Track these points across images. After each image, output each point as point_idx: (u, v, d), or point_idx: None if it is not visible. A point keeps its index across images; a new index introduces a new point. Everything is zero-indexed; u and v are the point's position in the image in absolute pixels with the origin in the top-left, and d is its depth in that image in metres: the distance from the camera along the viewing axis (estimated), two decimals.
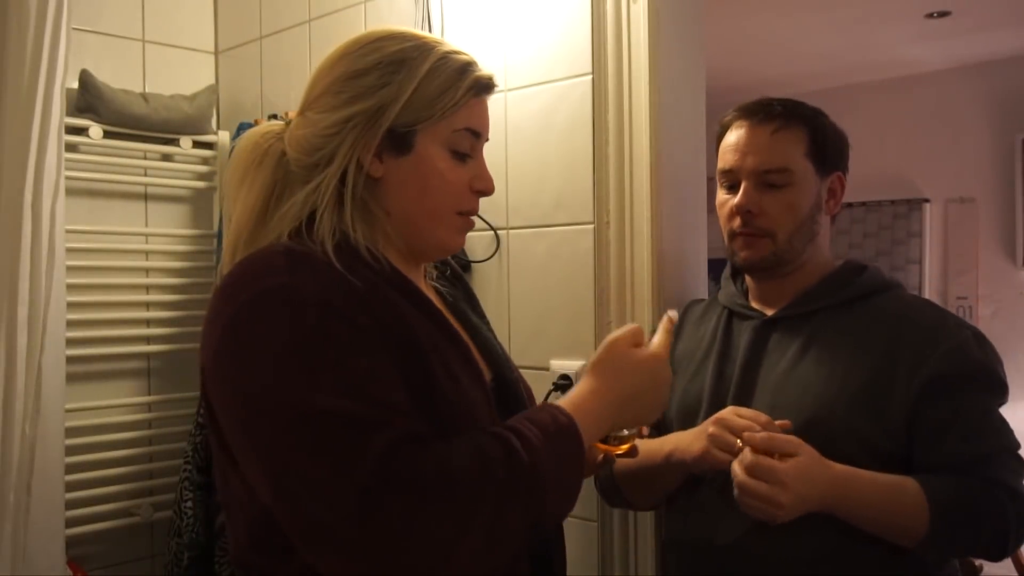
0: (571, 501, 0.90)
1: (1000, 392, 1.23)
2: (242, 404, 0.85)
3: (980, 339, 1.23)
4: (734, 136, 1.33)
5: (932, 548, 1.15)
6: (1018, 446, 1.19)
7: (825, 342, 1.25)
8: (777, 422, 1.16)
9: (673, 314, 1.05)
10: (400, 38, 0.99)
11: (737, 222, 1.31)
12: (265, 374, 0.83)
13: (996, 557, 1.19)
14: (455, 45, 1.03)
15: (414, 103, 0.96)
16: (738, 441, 1.13)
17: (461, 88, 0.98)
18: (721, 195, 1.36)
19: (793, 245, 1.30)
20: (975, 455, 1.16)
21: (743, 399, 1.27)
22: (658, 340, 1.03)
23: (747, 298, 1.39)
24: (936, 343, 1.20)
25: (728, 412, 1.19)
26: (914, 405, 1.18)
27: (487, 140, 1.05)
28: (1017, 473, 1.18)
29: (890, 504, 1.14)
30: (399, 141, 0.97)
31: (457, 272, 1.17)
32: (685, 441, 1.24)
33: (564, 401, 0.95)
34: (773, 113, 1.30)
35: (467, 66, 1.00)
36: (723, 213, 1.35)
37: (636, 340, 1.02)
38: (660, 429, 1.39)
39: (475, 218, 1.87)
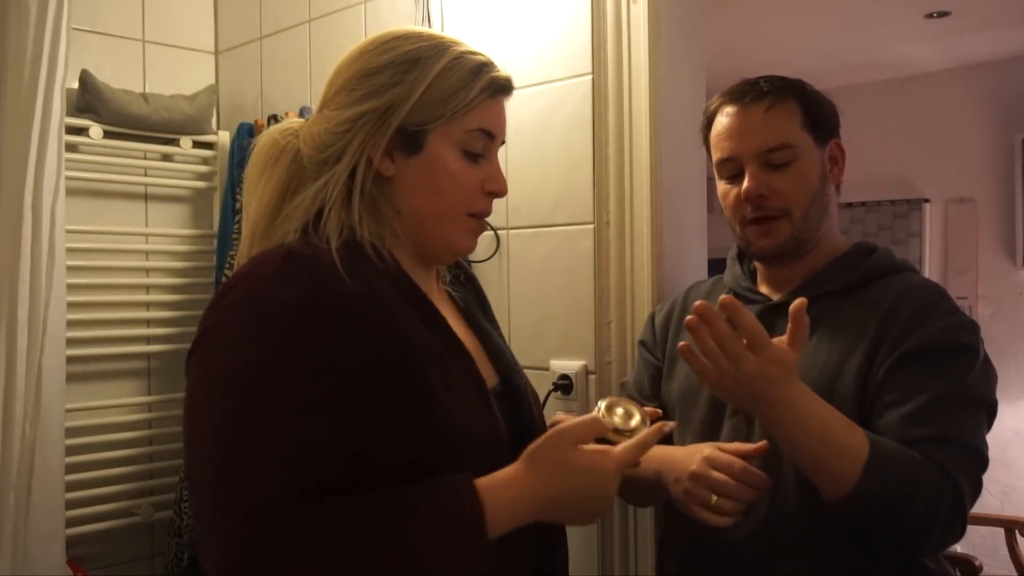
0: None
1: (979, 383, 1.14)
2: (187, 402, 0.87)
3: (973, 327, 1.18)
4: (725, 122, 1.28)
5: (856, 505, 1.04)
6: (974, 447, 1.10)
7: (827, 327, 1.22)
8: (754, 446, 1.13)
9: (670, 426, 1.00)
10: (417, 38, 0.99)
11: (748, 209, 1.26)
12: (211, 385, 0.84)
13: (916, 544, 1.11)
14: (473, 46, 1.02)
15: (425, 102, 0.96)
16: (713, 497, 1.11)
17: (474, 88, 0.98)
18: (723, 186, 1.30)
19: (810, 222, 1.26)
20: (917, 436, 1.08)
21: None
22: (625, 446, 0.92)
23: (754, 281, 1.36)
24: (925, 321, 1.15)
25: (704, 465, 1.13)
26: (885, 376, 1.14)
27: (503, 142, 1.04)
28: (966, 471, 1.08)
29: (834, 435, 1.05)
30: (410, 140, 0.97)
31: (470, 275, 1.16)
32: (669, 471, 1.19)
33: (488, 480, 0.87)
34: (762, 91, 1.27)
35: (482, 66, 0.99)
36: (729, 203, 1.29)
37: (584, 437, 0.91)
38: (663, 411, 1.37)
39: None
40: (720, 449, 1.15)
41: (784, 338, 1.05)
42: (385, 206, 0.99)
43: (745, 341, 1.02)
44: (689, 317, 1.03)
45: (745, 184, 1.25)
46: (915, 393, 1.12)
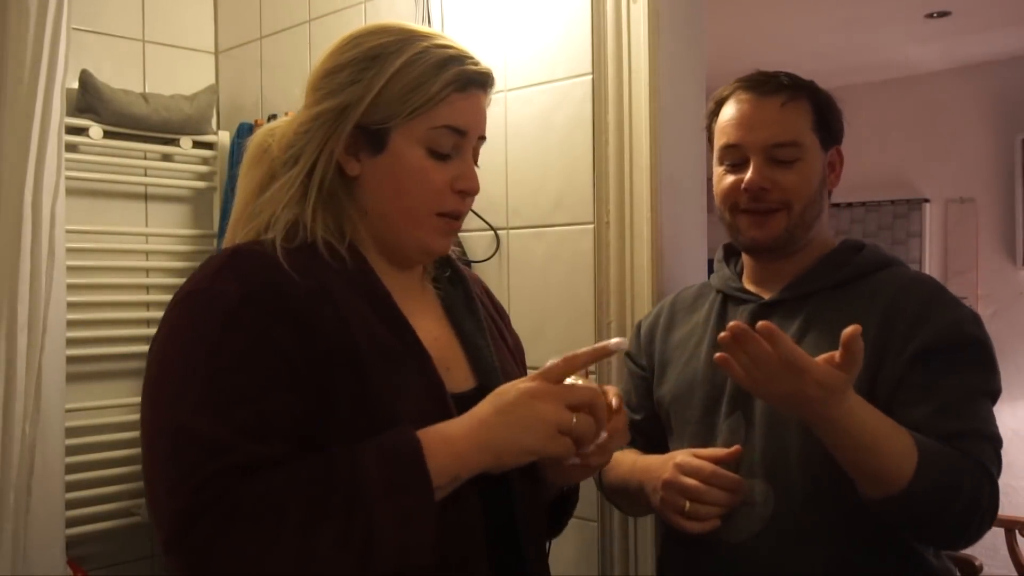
0: (414, 525, 0.81)
1: (990, 375, 1.17)
2: (142, 397, 0.88)
3: (977, 319, 1.19)
4: (736, 109, 1.27)
5: (905, 505, 1.05)
6: (998, 437, 1.13)
7: (823, 324, 1.21)
8: (727, 451, 1.14)
9: (615, 342, 0.94)
10: (384, 32, 0.96)
11: (744, 199, 1.25)
12: (157, 377, 0.86)
13: (954, 540, 1.13)
14: (450, 39, 0.98)
15: (384, 100, 0.93)
16: (687, 503, 1.12)
17: (437, 83, 0.93)
18: (720, 172, 1.29)
19: (805, 219, 1.25)
20: (950, 431, 1.09)
21: (741, 387, 1.25)
22: (556, 362, 0.92)
23: (742, 280, 1.35)
24: (930, 317, 1.16)
25: (675, 471, 1.14)
26: (900, 375, 1.14)
27: (481, 137, 1.00)
28: (992, 462, 1.11)
29: (881, 444, 1.04)
30: (373, 139, 0.95)
31: (459, 274, 1.12)
32: (648, 481, 1.20)
33: (433, 427, 0.88)
34: (780, 85, 1.25)
35: (449, 60, 0.95)
36: (723, 189, 1.27)
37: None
38: (656, 415, 1.37)
39: (475, 218, 1.88)
40: (694, 455, 1.16)
41: (834, 356, 1.01)
42: (351, 206, 0.97)
43: (782, 364, 0.99)
44: (722, 334, 1.01)
45: (749, 175, 1.23)
46: (938, 389, 1.13)
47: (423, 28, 0.99)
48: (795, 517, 1.16)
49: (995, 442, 1.13)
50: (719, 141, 1.29)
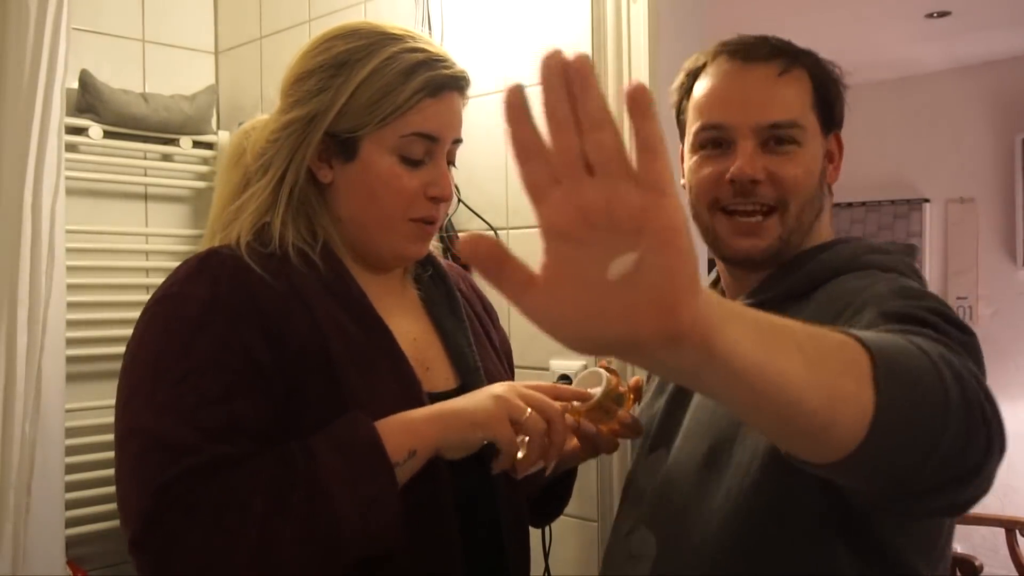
0: (377, 511, 0.81)
1: (972, 344, 0.77)
2: (115, 401, 0.88)
3: (947, 305, 0.83)
4: (718, 81, 0.99)
5: (882, 431, 0.58)
6: (968, 328, 0.78)
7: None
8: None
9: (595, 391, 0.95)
10: (354, 36, 0.96)
11: (728, 192, 0.97)
12: (128, 380, 0.87)
13: (952, 492, 0.66)
14: (425, 40, 0.97)
15: (351, 109, 0.93)
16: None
17: (406, 91, 0.93)
18: (695, 161, 1.00)
19: (802, 223, 0.98)
20: (906, 314, 0.77)
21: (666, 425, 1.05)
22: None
23: (714, 286, 1.11)
24: (887, 296, 0.84)
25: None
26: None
27: (456, 141, 0.99)
28: (978, 362, 0.76)
29: (822, 352, 0.58)
30: (344, 147, 0.94)
31: (440, 273, 1.11)
32: None
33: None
34: (774, 49, 0.99)
35: (419, 65, 0.93)
36: (701, 182, 0.99)
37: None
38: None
39: (475, 218, 1.88)
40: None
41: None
42: (324, 212, 0.97)
43: (636, 160, 0.48)
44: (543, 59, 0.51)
45: (738, 162, 0.95)
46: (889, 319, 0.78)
47: (398, 29, 0.98)
48: None
49: (964, 331, 0.77)
50: (694, 122, 1.01)
